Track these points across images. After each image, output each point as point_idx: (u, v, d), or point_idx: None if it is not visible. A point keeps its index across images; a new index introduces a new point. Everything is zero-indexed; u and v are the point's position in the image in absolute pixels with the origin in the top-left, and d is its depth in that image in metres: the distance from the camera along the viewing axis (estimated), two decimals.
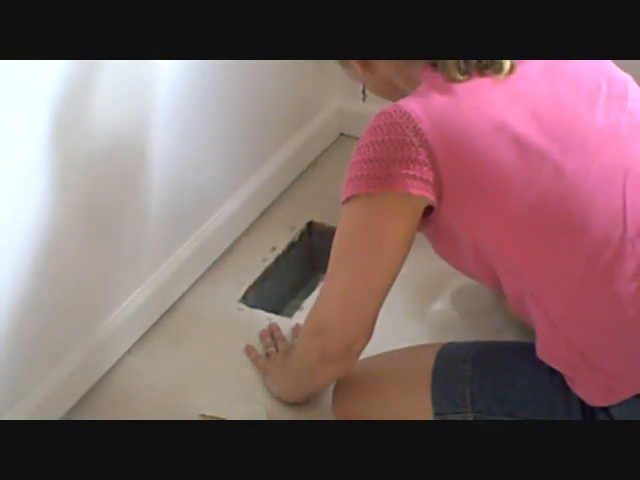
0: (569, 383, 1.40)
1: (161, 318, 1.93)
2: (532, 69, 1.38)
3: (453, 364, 1.50)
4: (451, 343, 1.57)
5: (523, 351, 1.49)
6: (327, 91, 2.37)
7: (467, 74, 1.35)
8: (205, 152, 1.96)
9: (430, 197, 1.34)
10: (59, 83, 1.51)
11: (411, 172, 1.32)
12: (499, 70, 1.35)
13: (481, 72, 1.36)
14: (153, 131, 1.78)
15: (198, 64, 1.81)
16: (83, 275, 1.71)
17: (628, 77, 1.46)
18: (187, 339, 1.89)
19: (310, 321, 1.52)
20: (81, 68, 1.53)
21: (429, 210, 1.37)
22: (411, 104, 1.34)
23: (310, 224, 2.15)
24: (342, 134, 2.40)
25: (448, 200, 1.34)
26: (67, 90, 1.53)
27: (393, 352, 1.66)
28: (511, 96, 1.35)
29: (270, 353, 1.81)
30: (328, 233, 2.10)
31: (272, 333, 1.85)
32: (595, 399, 1.38)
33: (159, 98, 1.77)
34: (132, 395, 1.78)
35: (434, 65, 1.37)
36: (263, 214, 2.17)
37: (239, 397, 1.75)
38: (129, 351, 1.86)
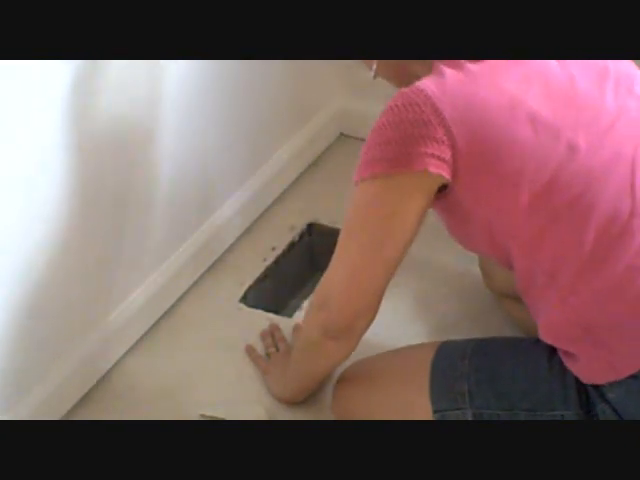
0: (568, 362, 1.41)
1: (161, 318, 1.93)
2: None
3: (451, 361, 1.51)
4: (448, 341, 1.57)
5: (519, 344, 1.51)
6: (327, 91, 2.37)
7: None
8: (205, 152, 1.96)
9: (446, 175, 1.35)
10: (70, 82, 1.52)
11: (429, 150, 1.33)
12: None
13: None
14: (152, 131, 1.78)
15: (199, 64, 1.81)
16: (84, 275, 1.71)
17: (634, 65, 1.47)
18: (187, 339, 1.89)
19: (316, 294, 1.53)
20: (91, 67, 1.55)
21: (443, 186, 1.38)
22: (428, 83, 1.35)
23: (310, 224, 2.16)
24: (342, 134, 2.40)
25: (463, 177, 1.35)
26: (77, 88, 1.54)
27: (391, 351, 1.66)
28: (525, 75, 1.37)
29: (270, 353, 1.81)
30: (328, 233, 2.11)
31: (272, 333, 1.85)
32: (595, 376, 1.39)
33: (159, 98, 1.77)
34: (132, 395, 1.78)
35: None
36: (263, 214, 2.17)
37: (239, 397, 1.75)
38: (129, 351, 1.86)
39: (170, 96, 1.79)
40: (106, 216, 1.72)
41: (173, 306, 1.95)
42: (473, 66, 1.36)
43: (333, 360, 1.59)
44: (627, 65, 1.46)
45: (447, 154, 1.33)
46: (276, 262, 2.07)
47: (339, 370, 1.66)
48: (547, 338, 1.43)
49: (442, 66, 1.37)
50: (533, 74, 1.37)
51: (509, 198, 1.36)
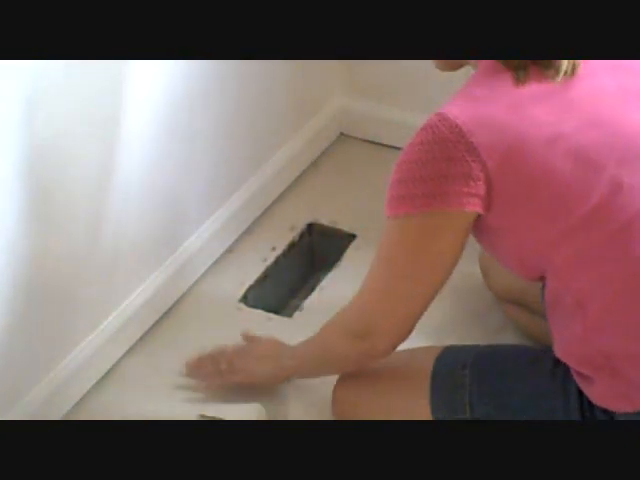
0: (582, 382, 1.38)
1: (161, 318, 1.92)
2: (597, 66, 1.34)
3: (452, 370, 1.49)
4: (450, 347, 1.56)
5: (522, 355, 1.48)
6: (327, 91, 2.36)
7: (525, 73, 1.31)
8: (205, 152, 1.96)
9: (481, 210, 1.32)
10: (53, 84, 1.51)
11: (465, 189, 1.30)
12: (556, 73, 1.31)
13: (540, 73, 1.32)
14: (152, 131, 1.78)
15: (199, 64, 1.81)
16: (83, 274, 1.71)
17: None
18: (187, 339, 1.88)
19: (354, 326, 1.49)
20: (74, 68, 1.52)
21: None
22: (461, 115, 1.30)
23: (310, 224, 2.15)
24: (342, 134, 2.40)
25: (497, 210, 1.32)
26: (59, 90, 1.53)
27: (392, 355, 1.66)
28: (570, 101, 1.32)
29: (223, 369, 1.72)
30: (328, 233, 2.11)
31: (213, 357, 1.74)
32: (609, 403, 1.36)
33: (159, 98, 1.77)
34: (131, 395, 1.78)
35: None
36: (263, 214, 2.17)
37: (239, 397, 1.75)
38: (129, 351, 1.86)
39: (169, 96, 1.79)
40: (107, 216, 1.72)
41: (173, 306, 1.95)
42: (514, 91, 1.31)
43: (355, 370, 1.60)
44: None
45: (482, 189, 1.30)
46: (276, 262, 2.07)
47: None
48: (563, 357, 1.40)
49: (479, 84, 1.33)
50: (580, 99, 1.32)
51: (545, 231, 1.33)
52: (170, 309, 1.94)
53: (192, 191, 1.95)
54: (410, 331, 1.46)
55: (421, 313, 1.45)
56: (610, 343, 1.35)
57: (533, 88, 1.32)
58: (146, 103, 1.74)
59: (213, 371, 1.72)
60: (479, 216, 1.34)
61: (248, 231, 2.13)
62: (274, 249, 2.09)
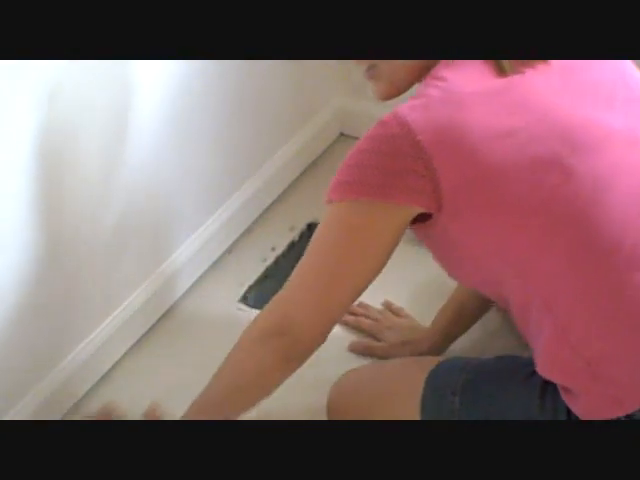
0: (568, 399, 1.36)
1: (161, 318, 1.93)
2: (546, 71, 1.35)
3: (442, 395, 1.48)
4: (439, 366, 1.54)
5: (512, 378, 1.45)
6: (327, 91, 2.37)
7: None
8: (205, 152, 1.96)
9: (423, 208, 1.32)
10: (53, 84, 1.51)
11: (405, 184, 1.30)
12: (509, 68, 1.33)
13: (491, 70, 1.33)
14: (152, 131, 1.78)
15: (198, 64, 1.81)
16: (83, 275, 1.71)
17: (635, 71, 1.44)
18: (187, 339, 1.88)
19: (272, 318, 1.42)
20: (74, 69, 1.53)
21: (427, 215, 1.34)
22: (412, 113, 1.31)
23: (310, 224, 2.15)
24: (342, 134, 2.40)
25: (448, 208, 1.32)
26: (59, 91, 1.53)
27: (385, 368, 1.67)
28: (519, 98, 1.33)
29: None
30: None
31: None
32: (599, 412, 1.34)
33: (159, 98, 1.77)
34: (131, 396, 1.77)
35: None
36: (263, 214, 2.17)
37: None
38: (129, 351, 1.86)
39: (169, 96, 1.80)
40: (107, 216, 1.72)
41: (173, 306, 1.95)
42: (469, 88, 1.32)
43: (278, 383, 1.44)
44: (638, 85, 1.41)
45: (426, 187, 1.30)
46: (276, 262, 2.07)
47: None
48: (545, 373, 1.38)
49: (435, 83, 1.33)
50: (532, 94, 1.33)
51: (501, 227, 1.33)
52: (170, 309, 1.94)
53: (192, 191, 1.95)
54: (336, 321, 1.41)
55: (348, 304, 1.41)
56: (588, 340, 1.33)
57: (484, 85, 1.33)
58: (146, 103, 1.74)
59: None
60: (432, 219, 1.34)
61: (248, 231, 2.13)
62: (274, 249, 2.10)
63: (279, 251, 2.09)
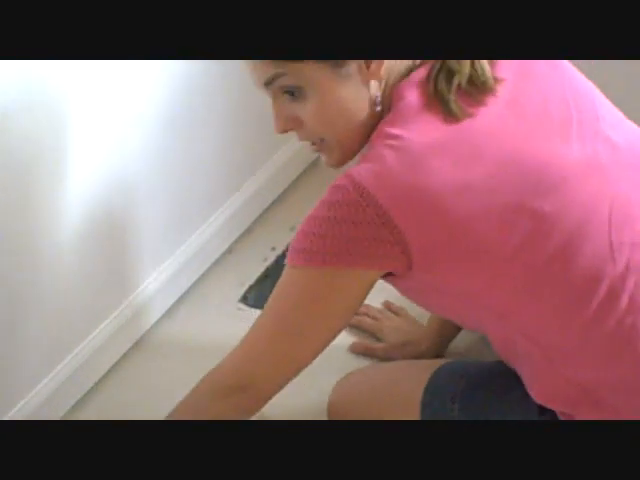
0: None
1: (161, 318, 1.93)
2: (495, 106, 1.32)
3: (441, 402, 1.48)
4: (438, 371, 1.54)
5: (510, 393, 1.44)
6: None
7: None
8: (205, 152, 1.96)
9: (392, 269, 1.30)
10: (53, 84, 1.51)
11: (371, 250, 1.27)
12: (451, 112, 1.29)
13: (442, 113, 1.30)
14: (152, 131, 1.78)
15: (199, 64, 1.81)
16: (83, 277, 1.71)
17: (592, 87, 1.41)
18: (187, 339, 1.89)
19: (230, 378, 1.40)
20: (74, 69, 1.53)
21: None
22: (369, 177, 1.27)
23: None
24: None
25: (421, 265, 1.29)
26: (59, 91, 1.53)
27: (385, 371, 1.67)
28: (474, 146, 1.29)
29: None
30: None
31: None
32: None
33: (159, 98, 1.77)
34: (131, 396, 1.78)
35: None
36: (263, 214, 2.17)
37: None
38: (129, 351, 1.86)
39: (170, 97, 1.80)
40: (107, 216, 1.72)
41: (173, 306, 1.95)
42: (418, 139, 1.28)
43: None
44: (588, 98, 1.38)
45: (393, 251, 1.27)
46: (276, 262, 2.07)
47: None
48: (541, 400, 1.37)
49: (385, 150, 1.28)
50: (483, 141, 1.29)
51: (475, 277, 1.30)
52: (170, 309, 1.94)
53: (192, 191, 1.95)
54: (299, 373, 1.39)
55: (313, 358, 1.39)
56: (578, 370, 1.33)
57: (436, 136, 1.29)
58: (146, 103, 1.74)
59: None
60: (402, 274, 1.31)
61: (248, 231, 2.13)
62: (274, 249, 2.10)
63: (279, 251, 2.09)
